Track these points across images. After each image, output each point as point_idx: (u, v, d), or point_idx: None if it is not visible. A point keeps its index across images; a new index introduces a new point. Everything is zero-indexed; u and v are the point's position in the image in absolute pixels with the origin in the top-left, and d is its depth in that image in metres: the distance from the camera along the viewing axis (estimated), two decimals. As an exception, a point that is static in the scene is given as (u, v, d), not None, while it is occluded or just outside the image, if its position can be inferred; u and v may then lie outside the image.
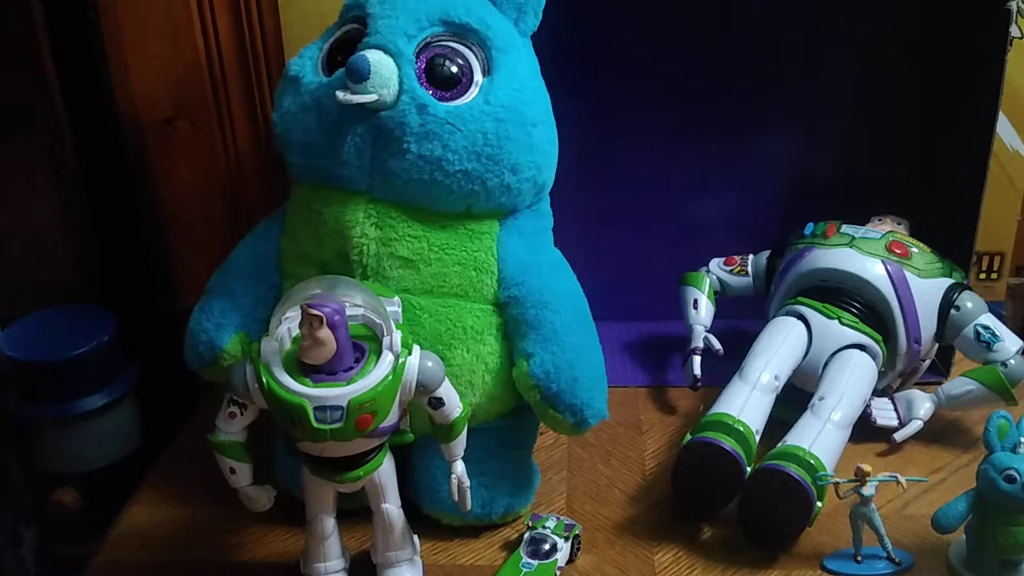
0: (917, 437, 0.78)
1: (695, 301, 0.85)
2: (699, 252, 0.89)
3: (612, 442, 0.79)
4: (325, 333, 0.53)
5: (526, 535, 0.67)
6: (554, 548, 0.65)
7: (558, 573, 0.65)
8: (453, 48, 0.62)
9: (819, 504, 0.66)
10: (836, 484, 0.64)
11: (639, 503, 0.73)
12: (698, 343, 0.83)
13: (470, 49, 0.63)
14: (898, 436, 0.77)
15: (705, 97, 0.87)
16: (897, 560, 0.65)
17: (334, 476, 0.59)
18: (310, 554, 0.63)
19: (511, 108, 0.62)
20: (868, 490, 0.64)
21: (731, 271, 0.87)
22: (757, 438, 0.70)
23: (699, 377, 0.81)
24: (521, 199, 0.65)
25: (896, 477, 0.64)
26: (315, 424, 0.54)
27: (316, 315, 0.53)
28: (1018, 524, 0.61)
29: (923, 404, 0.78)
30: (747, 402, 0.71)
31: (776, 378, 0.73)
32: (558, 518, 0.67)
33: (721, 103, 0.87)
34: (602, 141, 0.88)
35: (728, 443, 0.67)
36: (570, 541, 0.66)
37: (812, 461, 0.66)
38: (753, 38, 0.86)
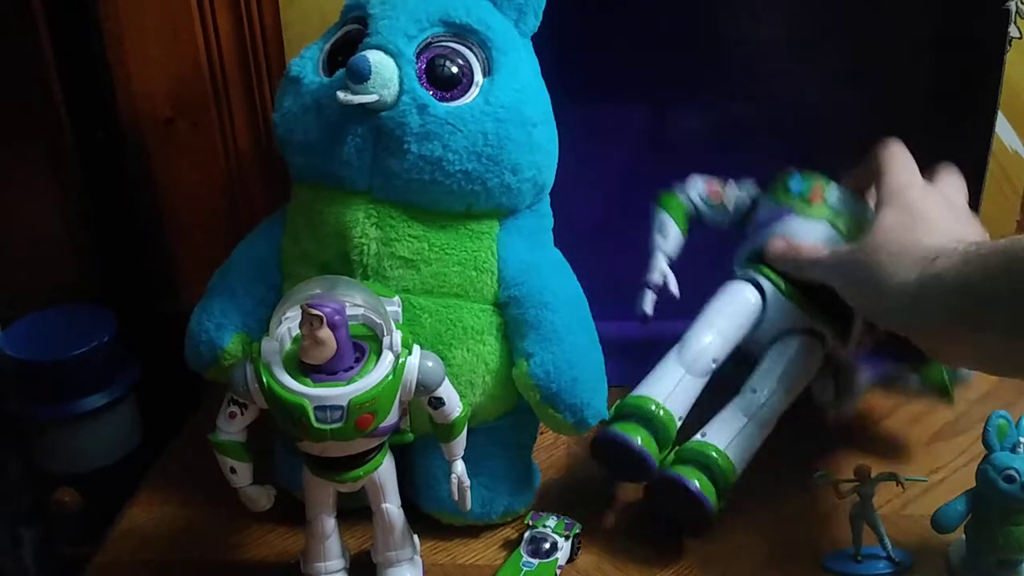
0: (917, 437, 0.78)
1: (665, 227, 0.80)
2: (699, 251, 0.89)
3: (612, 442, 0.79)
4: (325, 333, 0.53)
5: (526, 534, 0.67)
6: (554, 547, 0.65)
7: (558, 572, 0.65)
8: (453, 48, 0.62)
9: (719, 507, 0.66)
10: (836, 484, 0.65)
11: (639, 503, 0.73)
12: (656, 278, 0.79)
13: (470, 49, 0.63)
14: (831, 416, 0.76)
15: (706, 97, 0.87)
16: (897, 560, 0.65)
17: (334, 476, 0.59)
18: (310, 554, 0.63)
19: (511, 108, 0.62)
20: (868, 490, 0.64)
21: (712, 204, 0.81)
22: (678, 424, 0.69)
23: (650, 316, 0.78)
24: (521, 199, 0.65)
25: (896, 477, 0.64)
26: (315, 424, 0.54)
27: (316, 315, 0.53)
28: (1018, 524, 0.61)
29: (860, 382, 0.76)
30: (677, 387, 0.69)
31: (715, 361, 0.71)
32: (558, 517, 0.68)
33: (722, 103, 0.87)
34: (602, 141, 0.88)
35: (639, 439, 0.66)
36: (570, 540, 0.66)
37: (722, 464, 0.66)
38: (754, 40, 0.86)
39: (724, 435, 0.68)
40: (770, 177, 0.79)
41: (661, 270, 0.79)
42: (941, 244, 0.59)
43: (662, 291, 0.78)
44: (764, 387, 0.70)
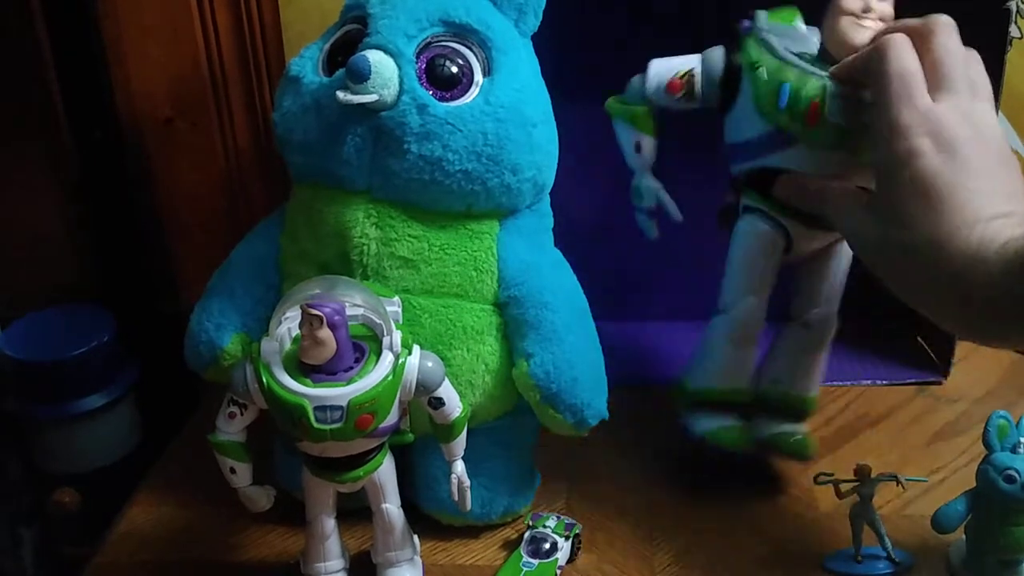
0: (917, 437, 0.78)
1: (637, 144, 0.73)
2: (700, 251, 0.88)
3: (612, 442, 0.79)
4: (325, 333, 0.53)
5: (526, 534, 0.67)
6: (554, 547, 0.65)
7: (558, 572, 0.65)
8: (453, 48, 0.62)
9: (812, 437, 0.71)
10: (836, 484, 0.65)
11: (639, 503, 0.73)
12: (650, 203, 0.75)
13: (470, 49, 0.63)
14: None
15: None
16: (897, 560, 0.65)
17: (334, 476, 0.59)
18: (310, 554, 0.63)
19: (511, 108, 0.62)
20: (868, 490, 0.64)
21: (677, 99, 0.71)
22: (750, 386, 0.72)
23: (657, 235, 0.76)
24: (521, 199, 0.65)
25: (896, 477, 0.64)
26: (315, 424, 0.54)
27: (316, 315, 0.53)
28: (1018, 524, 0.61)
29: None
30: (739, 364, 0.71)
31: (762, 321, 0.71)
32: (558, 517, 0.68)
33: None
34: (602, 141, 0.88)
35: (732, 437, 0.71)
36: (570, 540, 0.66)
37: (806, 405, 0.72)
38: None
39: (798, 376, 0.71)
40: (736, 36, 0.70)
41: (652, 190, 0.75)
42: (976, 240, 0.51)
43: (660, 213, 0.75)
44: (815, 317, 0.71)
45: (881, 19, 0.63)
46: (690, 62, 0.71)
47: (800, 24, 0.70)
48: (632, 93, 0.74)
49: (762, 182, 0.68)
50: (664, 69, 0.72)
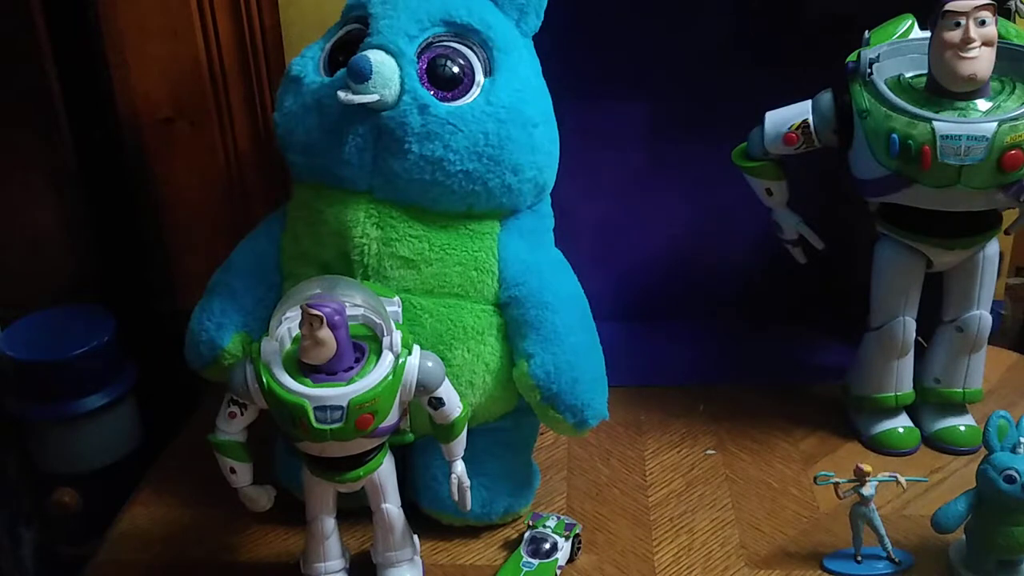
0: (917, 437, 0.78)
1: (767, 190, 0.77)
2: (699, 251, 0.89)
3: (612, 442, 0.79)
4: (325, 333, 0.54)
5: (527, 534, 0.67)
6: (555, 547, 0.65)
7: (558, 572, 0.65)
8: (455, 48, 0.62)
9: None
10: (836, 484, 0.65)
11: (639, 503, 0.73)
12: (791, 235, 0.79)
13: (472, 49, 0.63)
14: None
15: (706, 95, 0.87)
16: (897, 560, 0.65)
17: (334, 476, 0.59)
18: (310, 554, 0.63)
19: (512, 109, 0.62)
20: (868, 490, 0.64)
21: (796, 148, 0.73)
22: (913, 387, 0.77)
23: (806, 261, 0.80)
24: (522, 199, 0.65)
25: (896, 477, 0.64)
26: (315, 424, 0.54)
27: (316, 315, 0.53)
28: (1018, 524, 0.61)
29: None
30: (899, 373, 0.75)
31: (916, 332, 0.75)
32: (559, 517, 0.68)
33: (722, 101, 0.87)
34: (603, 141, 0.88)
35: (904, 442, 0.77)
36: (570, 540, 0.66)
37: (973, 398, 0.76)
38: (753, 36, 0.86)
39: (957, 374, 0.75)
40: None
41: (792, 224, 0.79)
42: None
43: (803, 242, 0.79)
44: (968, 321, 0.74)
45: (985, 44, 0.65)
46: (802, 112, 0.73)
47: (915, 32, 0.71)
48: (753, 147, 0.76)
49: (894, 214, 0.72)
50: (779, 121, 0.74)
